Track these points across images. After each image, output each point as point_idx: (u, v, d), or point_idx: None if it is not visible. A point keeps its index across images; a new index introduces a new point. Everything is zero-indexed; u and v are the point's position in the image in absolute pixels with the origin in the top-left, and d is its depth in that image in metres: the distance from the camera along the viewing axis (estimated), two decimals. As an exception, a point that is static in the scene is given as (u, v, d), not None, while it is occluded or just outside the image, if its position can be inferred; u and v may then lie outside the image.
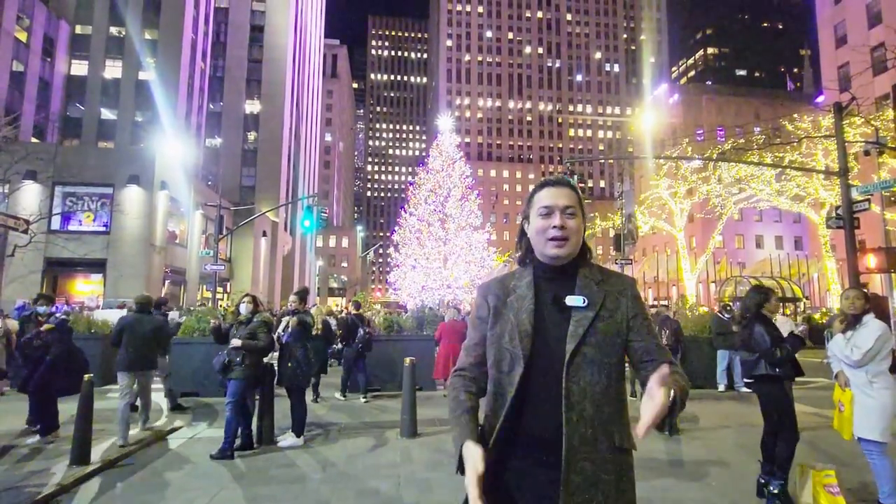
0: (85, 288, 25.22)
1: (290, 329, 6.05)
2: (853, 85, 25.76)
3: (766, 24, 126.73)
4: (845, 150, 12.74)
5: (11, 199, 19.98)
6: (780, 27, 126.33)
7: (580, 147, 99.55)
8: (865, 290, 4.16)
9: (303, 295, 6.50)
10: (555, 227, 1.43)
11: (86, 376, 5.23)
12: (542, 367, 1.37)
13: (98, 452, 5.30)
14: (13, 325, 6.18)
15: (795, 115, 24.07)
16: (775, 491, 3.85)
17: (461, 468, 1.32)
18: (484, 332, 1.49)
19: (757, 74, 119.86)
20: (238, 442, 5.51)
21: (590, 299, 1.40)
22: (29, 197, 21.37)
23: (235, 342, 5.44)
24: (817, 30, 40.49)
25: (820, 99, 38.36)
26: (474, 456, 1.29)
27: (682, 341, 9.37)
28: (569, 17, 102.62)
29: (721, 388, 9.56)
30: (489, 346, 1.46)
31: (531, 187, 2.04)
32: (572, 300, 1.41)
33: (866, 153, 16.54)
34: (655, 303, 31.70)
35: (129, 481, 4.76)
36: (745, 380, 4.27)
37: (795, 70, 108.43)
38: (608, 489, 1.32)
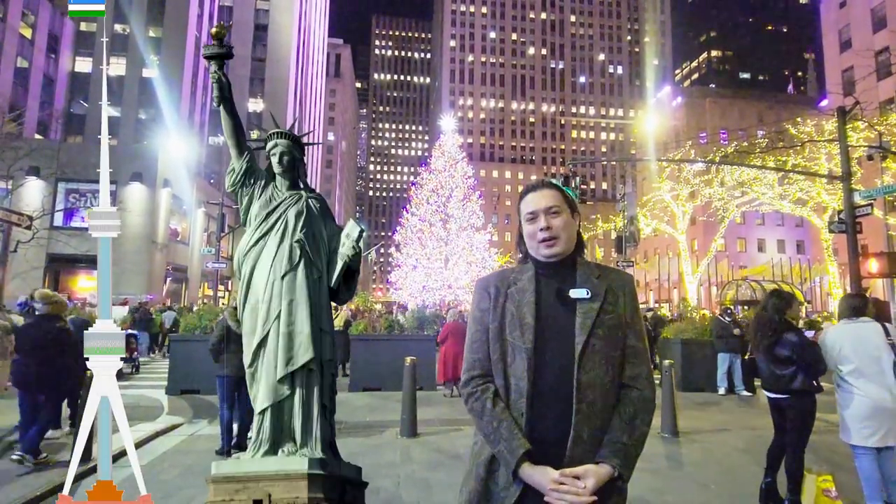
0: (87, 284, 25.26)
1: None
2: (857, 89, 25.72)
3: (770, 28, 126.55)
4: (848, 155, 12.73)
5: (14, 195, 20.01)
6: (785, 30, 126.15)
7: (582, 149, 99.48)
8: (861, 295, 4.11)
9: None
10: (541, 229, 1.46)
11: (88, 372, 5.25)
12: (549, 359, 1.37)
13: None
14: (19, 320, 6.19)
15: (799, 119, 24.02)
16: None
17: (515, 477, 1.33)
18: (486, 324, 1.48)
19: (760, 78, 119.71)
20: (234, 440, 5.49)
21: (592, 291, 1.42)
22: (32, 193, 21.43)
23: None
24: (822, 34, 40.44)
25: (823, 103, 38.31)
26: (544, 473, 1.29)
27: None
28: (573, 18, 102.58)
29: (721, 391, 9.54)
30: (492, 340, 1.45)
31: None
32: (576, 292, 1.42)
33: (869, 158, 16.53)
34: (656, 304, 31.67)
35: (130, 478, 4.78)
36: (774, 395, 3.98)
37: (799, 74, 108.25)
38: (608, 483, 1.32)
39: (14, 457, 4.74)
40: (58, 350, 4.89)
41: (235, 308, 5.72)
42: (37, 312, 5.15)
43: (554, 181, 1.58)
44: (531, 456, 1.32)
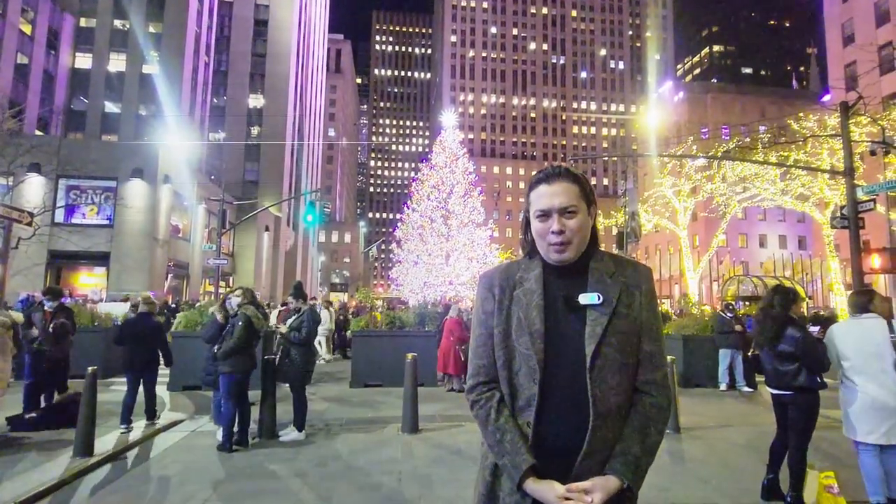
0: (89, 281, 25.31)
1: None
2: (860, 84, 25.53)
3: (772, 22, 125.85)
4: (851, 150, 12.65)
5: (16, 191, 19.97)
6: (787, 25, 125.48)
7: (584, 144, 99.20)
8: (868, 291, 4.07)
9: (297, 291, 6.33)
10: (553, 231, 1.31)
11: (89, 368, 5.26)
12: (558, 369, 1.28)
13: (101, 445, 5.33)
14: (18, 317, 6.22)
15: (801, 114, 23.88)
16: (791, 501, 3.82)
17: (519, 489, 1.27)
18: (490, 327, 1.38)
19: (763, 73, 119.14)
20: (235, 437, 5.51)
21: (604, 295, 1.30)
22: (33, 190, 21.41)
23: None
24: (824, 28, 40.20)
25: (826, 98, 38.12)
26: (550, 489, 1.23)
27: None
28: (574, 13, 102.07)
29: (723, 387, 9.53)
30: (497, 344, 1.36)
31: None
32: (586, 298, 1.30)
33: (872, 153, 16.43)
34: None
35: (132, 473, 4.80)
36: (777, 391, 4.00)
37: (802, 69, 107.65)
38: (617, 494, 1.27)
39: (149, 421, 6.32)
40: (155, 340, 6.41)
41: (251, 303, 5.73)
42: (139, 310, 6.57)
43: (571, 168, 1.37)
44: (536, 470, 1.26)
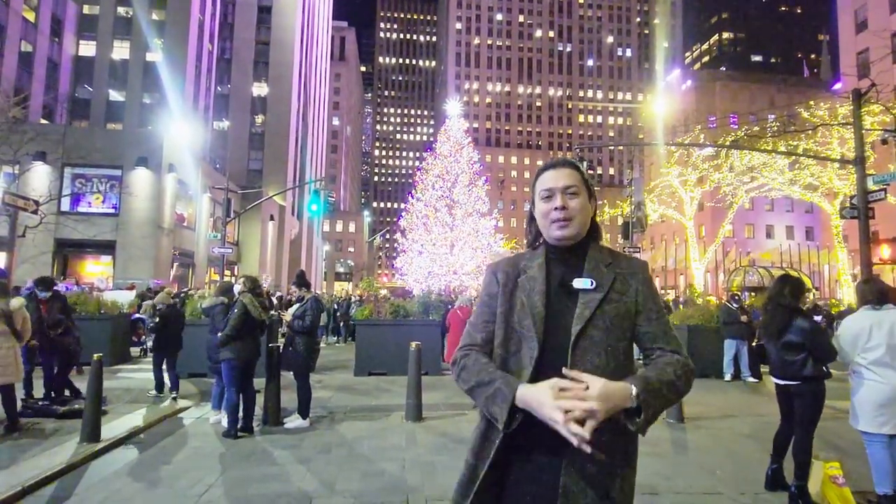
0: (95, 269, 25.47)
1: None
2: (873, 71, 25.05)
3: (783, 9, 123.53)
4: (862, 139, 12.46)
5: (21, 180, 20.05)
6: (798, 12, 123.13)
7: (590, 133, 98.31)
8: (882, 281, 4.01)
9: (300, 280, 6.34)
10: (556, 208, 1.40)
11: (95, 356, 5.29)
12: (552, 350, 1.33)
13: (108, 431, 5.38)
14: (18, 301, 6.28)
15: (811, 102, 23.51)
16: (795, 491, 3.80)
17: (509, 423, 1.25)
18: (494, 308, 1.45)
19: (773, 60, 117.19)
20: (240, 424, 5.55)
21: (598, 281, 1.37)
22: (38, 178, 21.48)
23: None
24: (836, 15, 39.42)
25: (837, 86, 37.50)
26: (544, 387, 1.21)
27: None
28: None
29: (728, 377, 9.52)
30: (497, 326, 1.42)
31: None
32: (580, 282, 1.37)
33: (884, 142, 16.21)
34: (662, 291, 31.56)
35: (138, 459, 4.84)
36: (783, 381, 3.95)
37: (813, 56, 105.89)
38: (613, 472, 1.29)
39: (173, 395, 7.20)
40: (181, 327, 7.69)
41: (252, 290, 5.74)
42: (166, 304, 7.80)
43: (574, 161, 1.49)
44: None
